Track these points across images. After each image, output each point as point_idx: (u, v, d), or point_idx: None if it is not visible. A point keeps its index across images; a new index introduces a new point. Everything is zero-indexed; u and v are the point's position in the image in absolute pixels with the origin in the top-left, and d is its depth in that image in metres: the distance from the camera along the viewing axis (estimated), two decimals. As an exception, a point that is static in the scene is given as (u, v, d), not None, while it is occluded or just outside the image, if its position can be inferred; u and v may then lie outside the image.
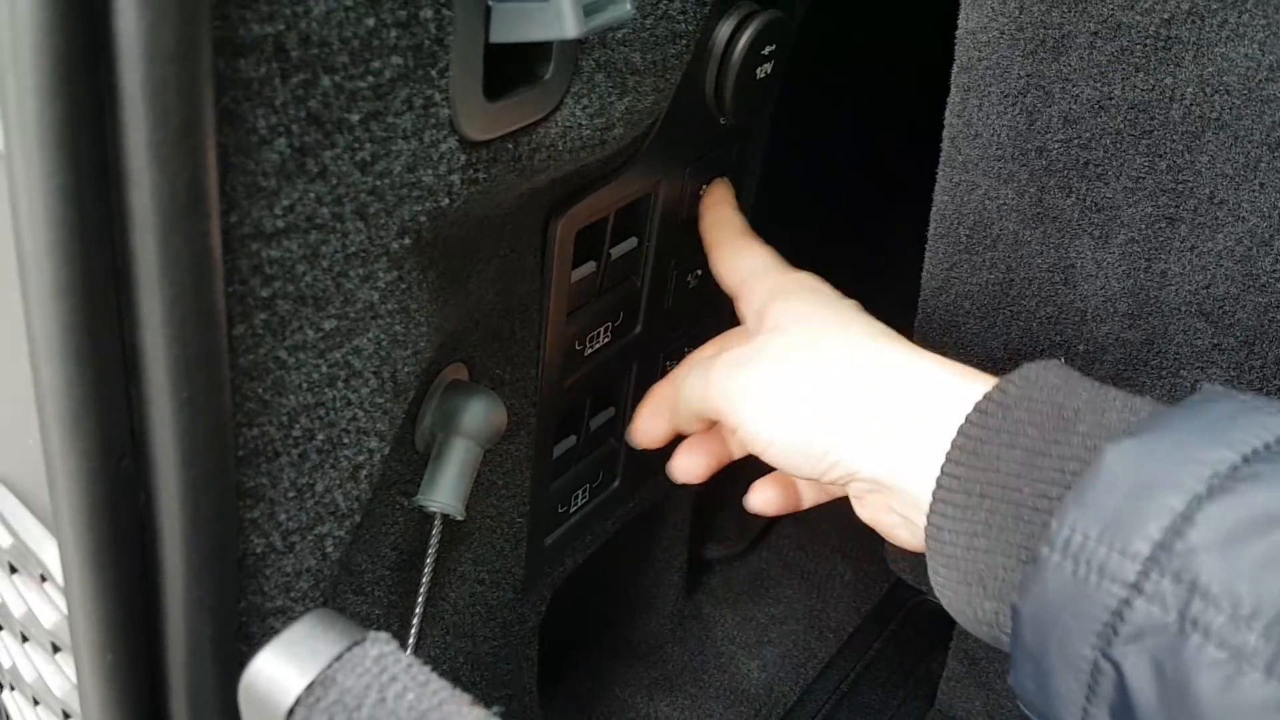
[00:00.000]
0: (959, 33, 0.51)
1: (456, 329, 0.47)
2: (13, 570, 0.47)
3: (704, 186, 0.61)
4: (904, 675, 0.83)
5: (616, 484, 0.68)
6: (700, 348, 0.58)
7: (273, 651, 0.39)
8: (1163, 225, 0.50)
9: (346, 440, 0.40)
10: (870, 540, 0.91)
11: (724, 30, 0.54)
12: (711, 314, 0.68)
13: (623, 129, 0.46)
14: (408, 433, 0.47)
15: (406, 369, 0.42)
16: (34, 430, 0.34)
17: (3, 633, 0.51)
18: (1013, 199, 0.53)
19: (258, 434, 0.36)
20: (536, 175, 0.44)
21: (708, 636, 0.86)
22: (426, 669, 0.38)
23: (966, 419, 0.41)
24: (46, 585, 0.44)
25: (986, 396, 0.41)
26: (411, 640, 0.48)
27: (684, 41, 0.48)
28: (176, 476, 0.34)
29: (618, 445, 0.67)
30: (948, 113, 0.53)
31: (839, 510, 0.97)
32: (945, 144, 0.55)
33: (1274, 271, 0.48)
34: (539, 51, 0.41)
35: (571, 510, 0.65)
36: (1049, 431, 0.38)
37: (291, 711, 0.38)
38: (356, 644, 0.39)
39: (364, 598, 0.48)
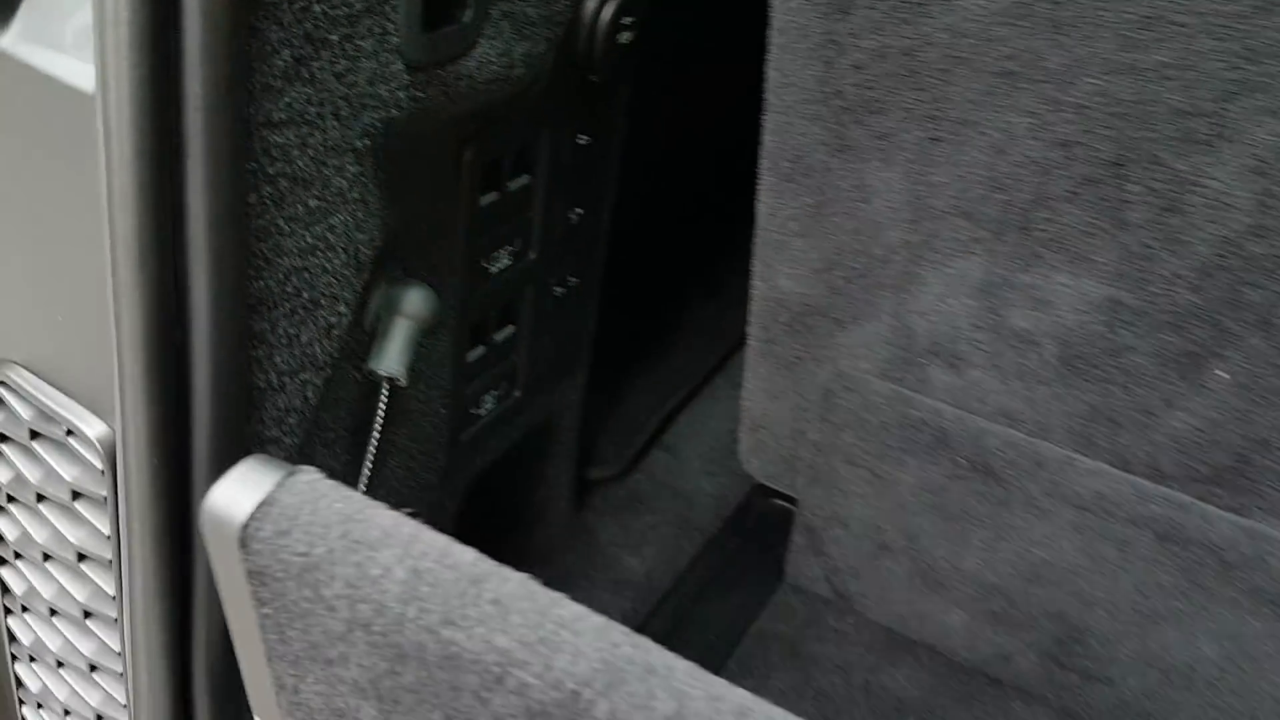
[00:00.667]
0: (772, 4, 0.66)
1: (396, 230, 0.59)
2: (34, 436, 0.56)
3: (582, 136, 0.75)
4: (759, 559, 0.98)
5: (518, 394, 0.81)
6: None
7: (225, 483, 0.48)
8: (929, 144, 0.66)
9: (323, 301, 0.52)
10: (725, 463, 1.06)
11: (592, 2, 0.68)
12: (591, 245, 0.82)
13: (522, 69, 0.60)
14: (359, 316, 0.59)
15: (364, 251, 0.54)
16: (66, 305, 0.45)
17: (15, 505, 0.60)
18: (820, 134, 0.69)
19: (261, 286, 0.48)
20: (459, 102, 0.57)
21: (594, 542, 0.99)
22: (350, 489, 0.49)
23: None
24: (72, 439, 0.54)
25: None
26: (363, 484, 0.60)
27: (566, 1, 0.62)
28: (207, 315, 0.46)
29: (517, 360, 0.80)
30: (768, 67, 0.69)
31: (702, 438, 1.12)
32: (768, 94, 0.70)
33: (1010, 174, 0.64)
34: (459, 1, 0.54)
35: (481, 413, 0.78)
36: None
37: (245, 525, 0.48)
38: (291, 474, 0.50)
39: (329, 450, 0.60)
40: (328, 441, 0.60)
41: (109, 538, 0.55)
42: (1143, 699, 0.80)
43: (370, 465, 0.60)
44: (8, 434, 0.58)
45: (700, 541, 1.00)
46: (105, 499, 0.54)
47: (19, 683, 0.70)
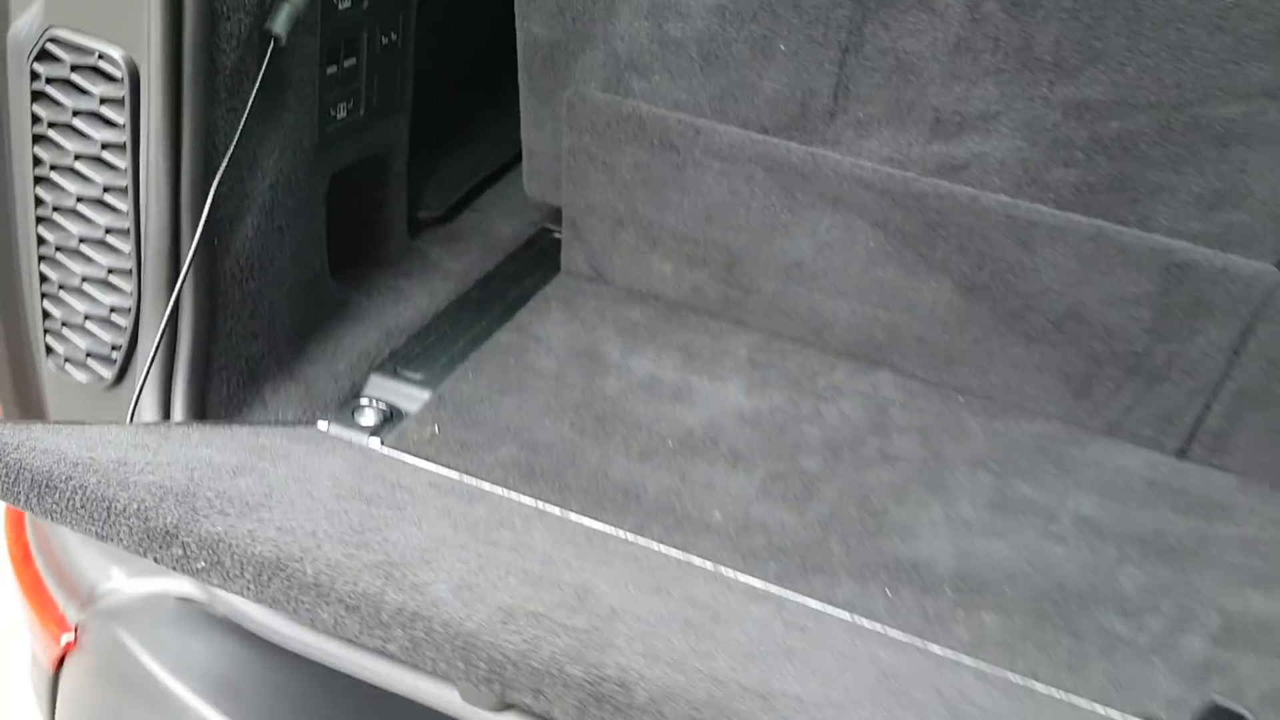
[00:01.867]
0: None
1: None
2: (73, 69, 0.95)
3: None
4: (542, 261, 1.40)
5: (362, 112, 1.22)
6: None
7: None
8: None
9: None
10: (524, 212, 1.48)
11: None
12: (408, 11, 1.23)
13: None
14: None
15: None
16: None
17: (55, 129, 0.98)
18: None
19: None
20: None
21: (425, 255, 1.40)
22: None
23: None
24: (102, 61, 0.93)
25: None
26: (240, 126, 0.99)
27: None
28: None
29: (359, 85, 1.21)
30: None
31: (504, 200, 1.53)
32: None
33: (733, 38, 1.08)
34: None
35: (337, 116, 1.18)
36: None
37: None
38: None
39: (249, 84, 0.99)
40: (250, 77, 1.00)
41: (125, 132, 0.94)
42: (780, 299, 1.25)
43: (250, 110, 0.99)
44: (53, 75, 0.96)
45: (501, 255, 1.42)
46: (123, 100, 0.93)
47: (43, 278, 1.07)
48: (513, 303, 1.32)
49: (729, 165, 1.19)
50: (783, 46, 1.10)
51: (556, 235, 1.45)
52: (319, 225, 1.20)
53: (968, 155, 1.08)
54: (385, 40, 1.22)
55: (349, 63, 1.17)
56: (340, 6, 1.13)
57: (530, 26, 1.22)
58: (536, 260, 1.42)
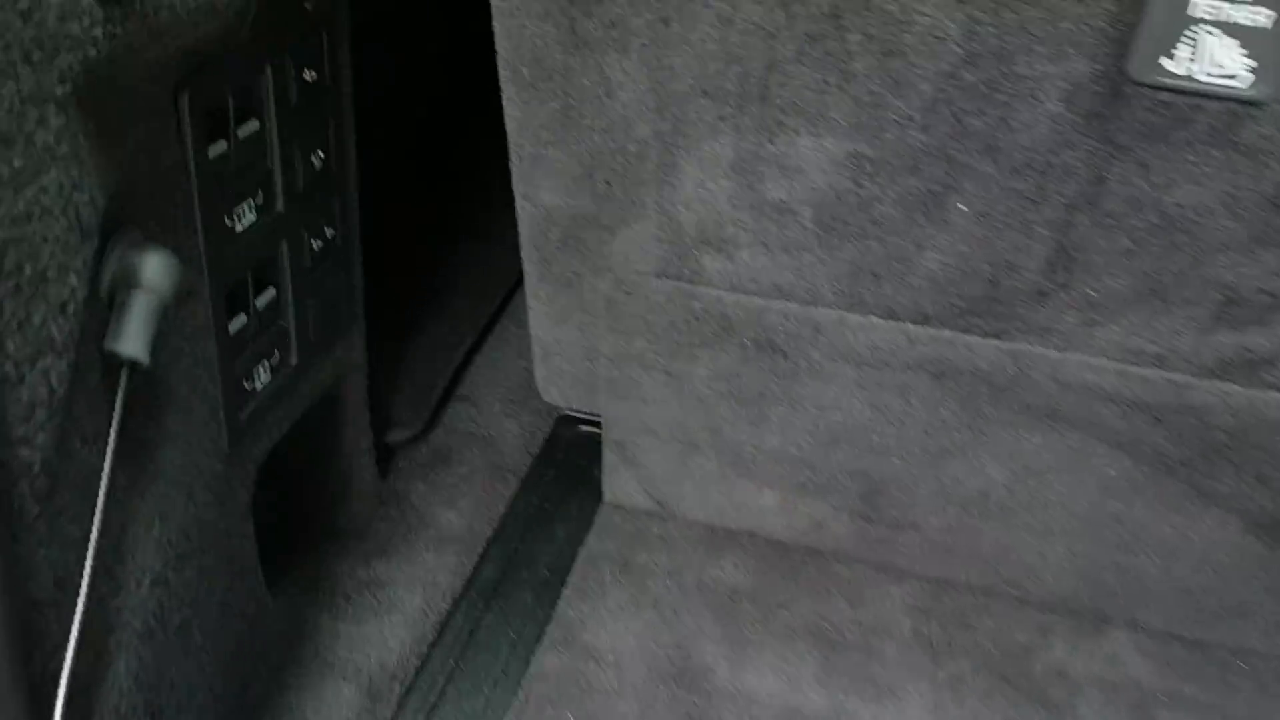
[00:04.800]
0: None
1: (122, 190, 0.55)
2: None
3: (308, 72, 0.72)
4: (575, 487, 0.98)
5: (294, 361, 0.78)
6: None
7: None
8: (660, 26, 0.67)
9: (51, 275, 0.48)
10: (526, 400, 1.06)
11: None
12: (341, 191, 0.79)
13: None
14: (95, 289, 0.55)
15: (87, 214, 0.50)
16: None
17: None
18: (553, 31, 0.69)
19: (-25, 258, 0.44)
20: (163, 37, 0.53)
21: (407, 505, 0.97)
22: None
23: None
24: None
25: None
26: (104, 483, 0.55)
27: None
28: None
29: (286, 325, 0.77)
30: (488, -32, 0.68)
31: (498, 381, 1.11)
32: (492, -4, 0.69)
33: (742, 44, 0.66)
34: None
35: (258, 386, 0.74)
36: None
37: None
38: None
39: (89, 447, 0.56)
40: (87, 436, 0.56)
41: None
42: (946, 536, 0.85)
43: (112, 449, 0.56)
44: None
45: (514, 483, 0.99)
46: None
47: None
48: (549, 579, 0.90)
49: (870, 372, 0.78)
50: (963, 205, 0.69)
51: (585, 428, 1.02)
52: (245, 553, 0.77)
53: (1274, 348, 0.69)
54: (319, 243, 0.78)
55: (265, 298, 0.74)
56: (239, 226, 0.68)
57: (538, 195, 0.79)
58: (565, 485, 0.99)
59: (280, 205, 0.72)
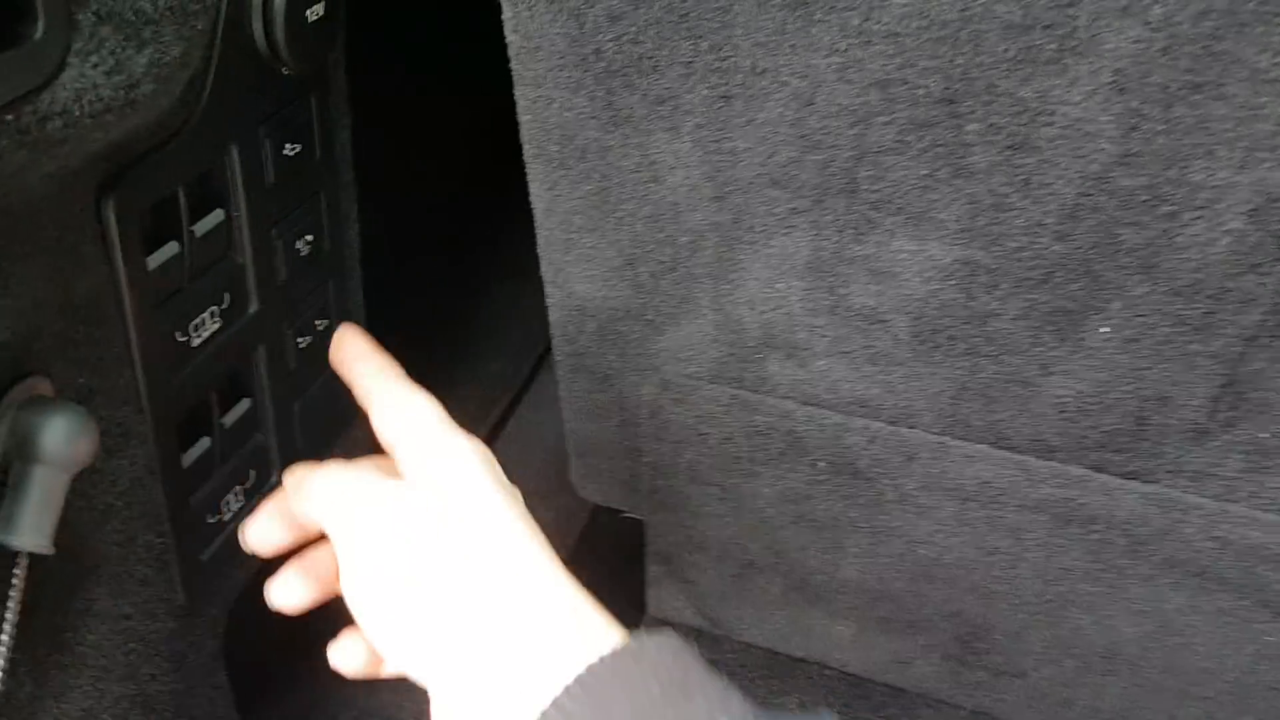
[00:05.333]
0: (493, -54, 0.51)
1: (14, 338, 0.43)
2: None
3: (289, 146, 0.58)
4: (616, 591, 0.85)
5: (275, 479, 0.65)
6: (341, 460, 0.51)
7: None
8: (720, 105, 0.52)
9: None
10: (563, 480, 0.93)
11: None
12: (336, 277, 0.66)
13: (152, 85, 0.43)
14: None
15: None
16: None
17: None
18: (586, 105, 0.55)
19: None
20: (58, 149, 0.40)
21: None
22: None
23: (599, 662, 0.39)
24: None
25: (618, 651, 0.39)
26: None
27: None
28: None
29: (265, 439, 0.64)
30: (506, 30, 0.54)
31: (533, 458, 0.98)
32: (513, 63, 0.55)
33: (823, 129, 0.52)
34: (20, 9, 0.37)
35: (226, 518, 0.62)
36: (672, 694, 0.37)
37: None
38: None
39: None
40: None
41: None
42: (1061, 688, 0.71)
43: (5, 656, 0.44)
44: None
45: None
46: None
47: None
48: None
49: (976, 509, 0.64)
50: (1106, 328, 0.54)
51: (628, 518, 0.89)
52: (217, 706, 0.65)
53: None
54: (307, 339, 0.65)
55: (237, 413, 0.61)
56: (196, 340, 0.56)
57: (569, 283, 0.65)
58: (604, 590, 0.85)
59: (254, 305, 0.59)
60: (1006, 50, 0.45)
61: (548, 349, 1.07)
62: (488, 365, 1.04)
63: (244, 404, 0.61)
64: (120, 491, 0.52)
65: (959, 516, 0.64)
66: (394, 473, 0.48)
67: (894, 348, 0.60)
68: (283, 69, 0.54)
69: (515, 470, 0.97)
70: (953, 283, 0.55)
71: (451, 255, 1.12)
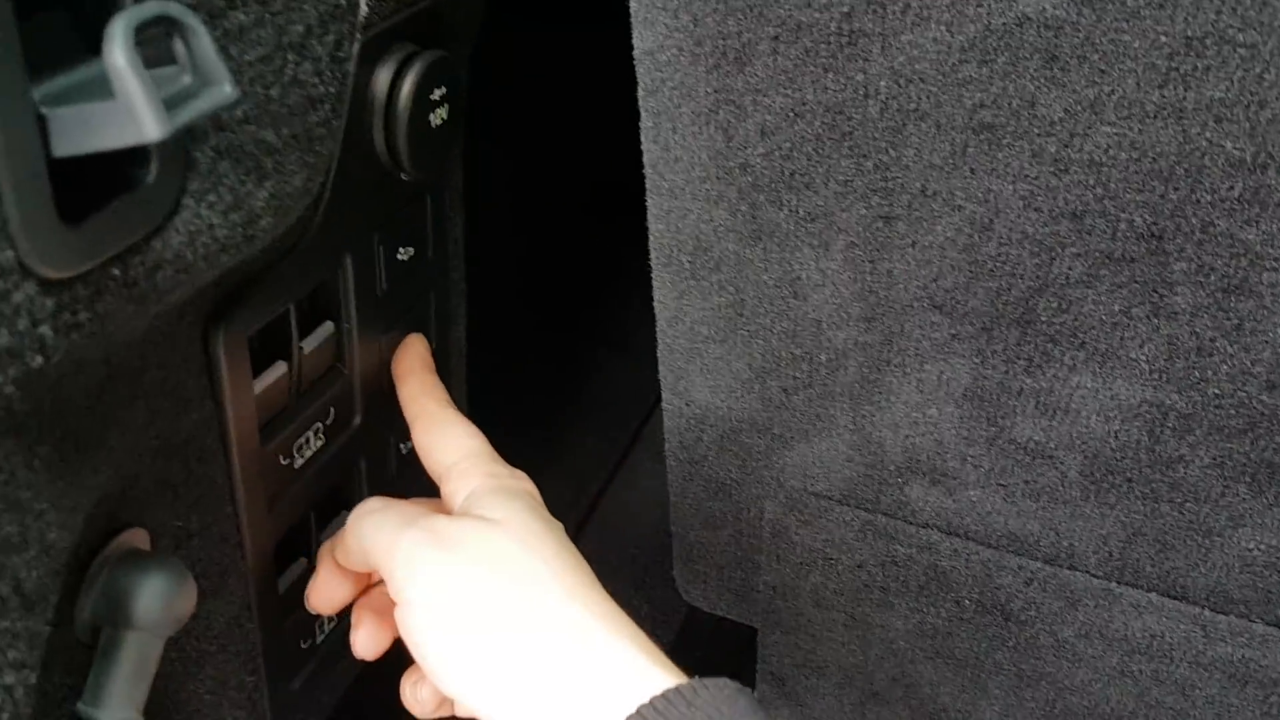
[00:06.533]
0: (636, 54, 0.46)
1: (110, 494, 0.39)
2: None
3: (403, 250, 0.54)
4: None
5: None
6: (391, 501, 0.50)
7: None
8: (880, 225, 0.47)
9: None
10: (662, 569, 0.87)
11: (382, 79, 0.48)
12: (447, 381, 0.61)
13: (272, 218, 0.39)
14: (68, 628, 0.39)
15: (35, 573, 0.34)
16: None
17: None
18: (726, 219, 0.50)
19: None
20: (168, 296, 0.36)
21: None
22: None
23: (650, 703, 0.39)
24: None
25: (670, 693, 0.39)
26: None
27: (327, 106, 0.42)
28: None
29: None
30: (643, 139, 0.49)
31: (628, 544, 0.93)
32: (648, 171, 0.51)
33: (1000, 256, 0.46)
34: (133, 152, 0.33)
35: (318, 641, 0.57)
36: None
37: None
38: None
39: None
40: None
41: None
42: None
43: None
44: None
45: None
46: None
47: None
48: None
49: (1142, 662, 0.57)
50: (1315, 485, 0.47)
51: (724, 620, 0.84)
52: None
53: None
54: (408, 444, 0.61)
55: (333, 531, 0.57)
56: (300, 460, 0.51)
57: (690, 391, 0.60)
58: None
59: (358, 419, 0.55)
60: (1231, 189, 0.39)
61: (642, 425, 1.02)
62: (583, 440, 1.00)
63: (342, 517, 0.57)
64: (215, 635, 0.48)
65: (1120, 668, 0.58)
66: (439, 507, 0.49)
67: (1061, 485, 0.53)
68: (402, 175, 0.50)
69: (609, 555, 0.92)
70: (1138, 424, 0.49)
71: (552, 330, 1.08)
